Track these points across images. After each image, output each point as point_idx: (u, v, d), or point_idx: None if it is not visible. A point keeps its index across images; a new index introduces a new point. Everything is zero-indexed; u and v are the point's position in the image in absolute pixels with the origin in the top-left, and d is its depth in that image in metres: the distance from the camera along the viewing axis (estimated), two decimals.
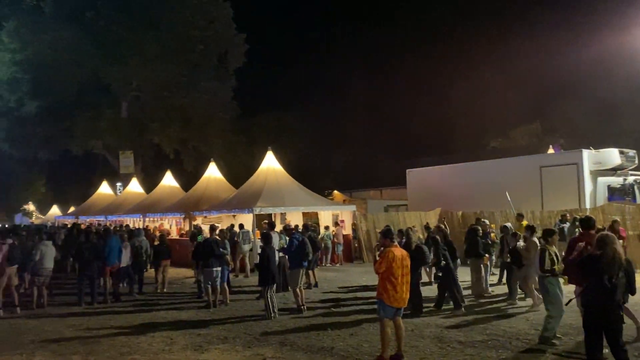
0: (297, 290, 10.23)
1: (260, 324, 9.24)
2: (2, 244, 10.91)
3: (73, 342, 8.20)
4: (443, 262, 9.95)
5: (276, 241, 12.91)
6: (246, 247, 16.06)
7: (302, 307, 10.16)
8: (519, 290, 10.81)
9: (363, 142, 47.62)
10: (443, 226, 12.59)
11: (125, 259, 12.63)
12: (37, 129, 32.46)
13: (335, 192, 28.50)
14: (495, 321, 9.01)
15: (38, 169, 45.21)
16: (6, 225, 29.28)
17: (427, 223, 16.89)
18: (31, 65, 30.53)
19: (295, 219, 20.10)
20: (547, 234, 7.89)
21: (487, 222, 13.60)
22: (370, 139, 48.01)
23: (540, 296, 8.16)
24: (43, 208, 47.94)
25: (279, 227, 16.23)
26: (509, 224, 12.59)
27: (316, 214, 20.90)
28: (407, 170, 24.33)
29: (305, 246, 10.45)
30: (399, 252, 6.91)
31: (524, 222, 13.39)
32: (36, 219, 44.78)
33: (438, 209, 20.59)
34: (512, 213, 16.04)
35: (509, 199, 16.19)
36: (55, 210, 42.97)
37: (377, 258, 6.99)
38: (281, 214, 20.48)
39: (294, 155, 32.32)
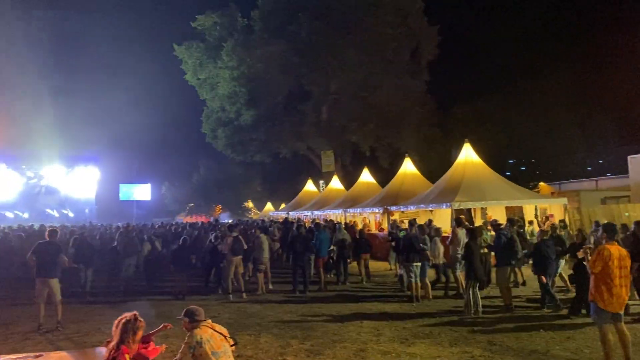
0: (505, 288, 9.74)
1: (465, 320, 9.02)
2: (229, 236, 12.57)
3: (291, 326, 9.01)
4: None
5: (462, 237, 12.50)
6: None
7: (511, 305, 9.64)
8: None
9: (573, 128, 42.80)
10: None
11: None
12: (252, 136, 36.62)
13: (542, 184, 26.22)
14: None
15: (254, 171, 50.88)
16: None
17: None
18: (246, 79, 34.57)
19: (497, 214, 19.10)
20: None
21: None
22: (581, 124, 42.87)
23: None
24: (259, 205, 53.73)
25: (479, 222, 15.58)
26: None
27: (520, 208, 19.56)
28: (629, 157, 21.36)
29: (514, 243, 9.88)
30: (616, 250, 6.12)
31: None
32: (254, 215, 50.40)
33: None
34: None
35: None
36: (269, 206, 47.78)
37: (589, 257, 6.31)
38: (481, 208, 19.65)
39: (494, 146, 30.71)
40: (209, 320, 4.77)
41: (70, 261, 10.04)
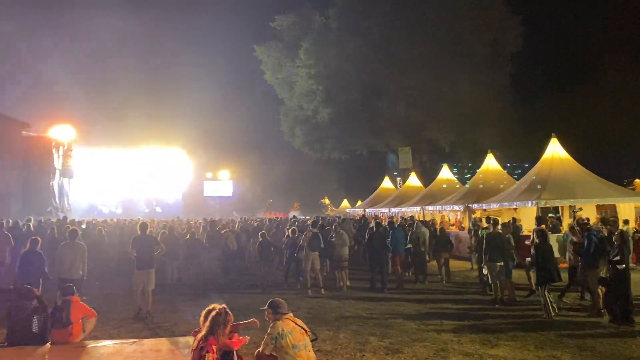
0: (598, 291, 9.17)
1: (552, 323, 8.60)
2: (309, 231, 12.77)
3: (369, 323, 8.98)
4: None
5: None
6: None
7: (603, 310, 9.07)
8: None
9: None
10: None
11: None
12: (329, 133, 36.94)
13: (637, 180, 24.39)
14: None
15: (331, 168, 51.30)
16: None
17: None
18: (322, 77, 34.92)
19: (588, 212, 18.01)
20: None
21: None
22: None
23: None
24: (336, 202, 54.13)
25: (567, 221, 14.78)
26: None
27: (614, 206, 18.32)
28: None
29: (606, 243, 9.27)
30: None
31: None
32: (331, 211, 50.82)
33: None
34: None
35: None
36: (345, 203, 47.95)
37: None
38: (570, 206, 18.61)
39: (583, 140, 28.93)
40: (291, 314, 4.88)
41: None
